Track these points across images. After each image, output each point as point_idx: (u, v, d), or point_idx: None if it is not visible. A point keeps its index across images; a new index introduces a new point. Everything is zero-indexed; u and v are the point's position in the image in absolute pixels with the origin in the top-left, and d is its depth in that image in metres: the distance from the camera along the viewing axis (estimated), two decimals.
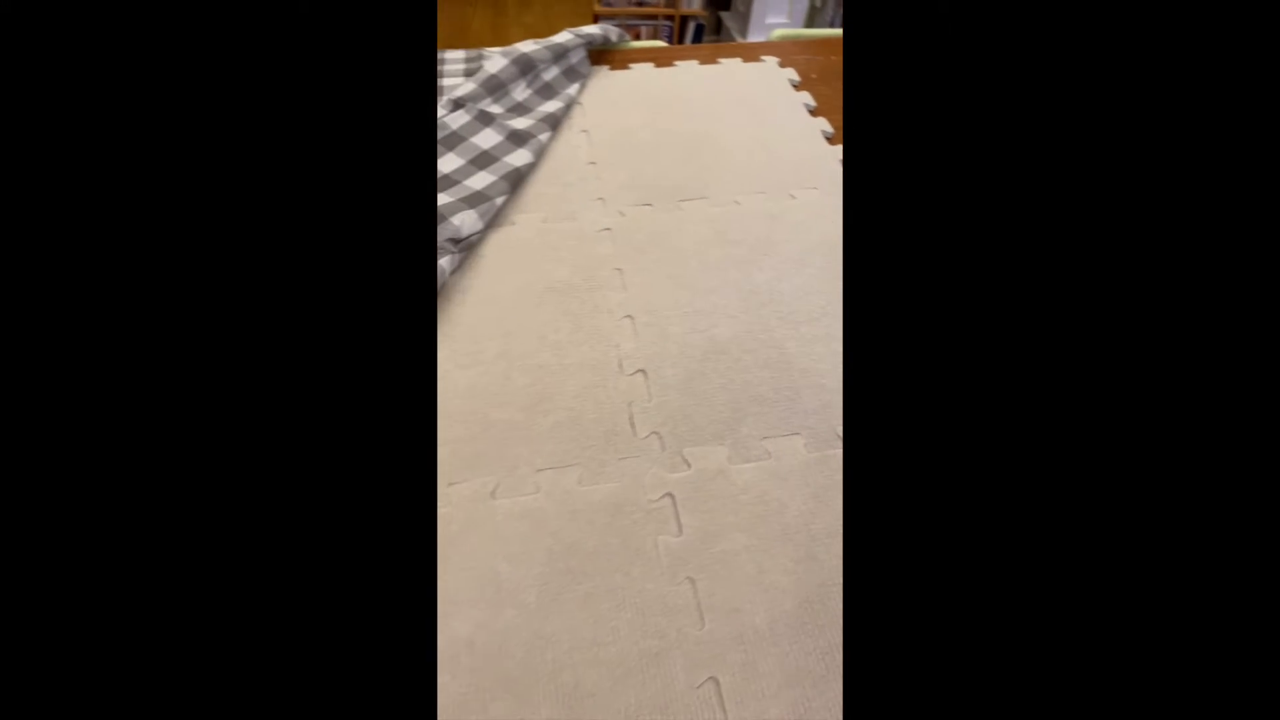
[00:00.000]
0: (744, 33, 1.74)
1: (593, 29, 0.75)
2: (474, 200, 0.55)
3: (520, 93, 0.67)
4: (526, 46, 0.69)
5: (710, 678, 0.34)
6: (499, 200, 0.56)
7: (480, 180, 0.57)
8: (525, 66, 0.68)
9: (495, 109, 0.65)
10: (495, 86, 0.66)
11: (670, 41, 1.72)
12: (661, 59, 0.77)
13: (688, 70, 0.75)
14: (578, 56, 0.72)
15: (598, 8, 1.66)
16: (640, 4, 1.66)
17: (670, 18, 1.67)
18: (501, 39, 2.00)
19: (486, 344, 0.48)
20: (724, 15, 1.84)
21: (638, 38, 1.65)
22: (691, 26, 1.71)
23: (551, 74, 0.70)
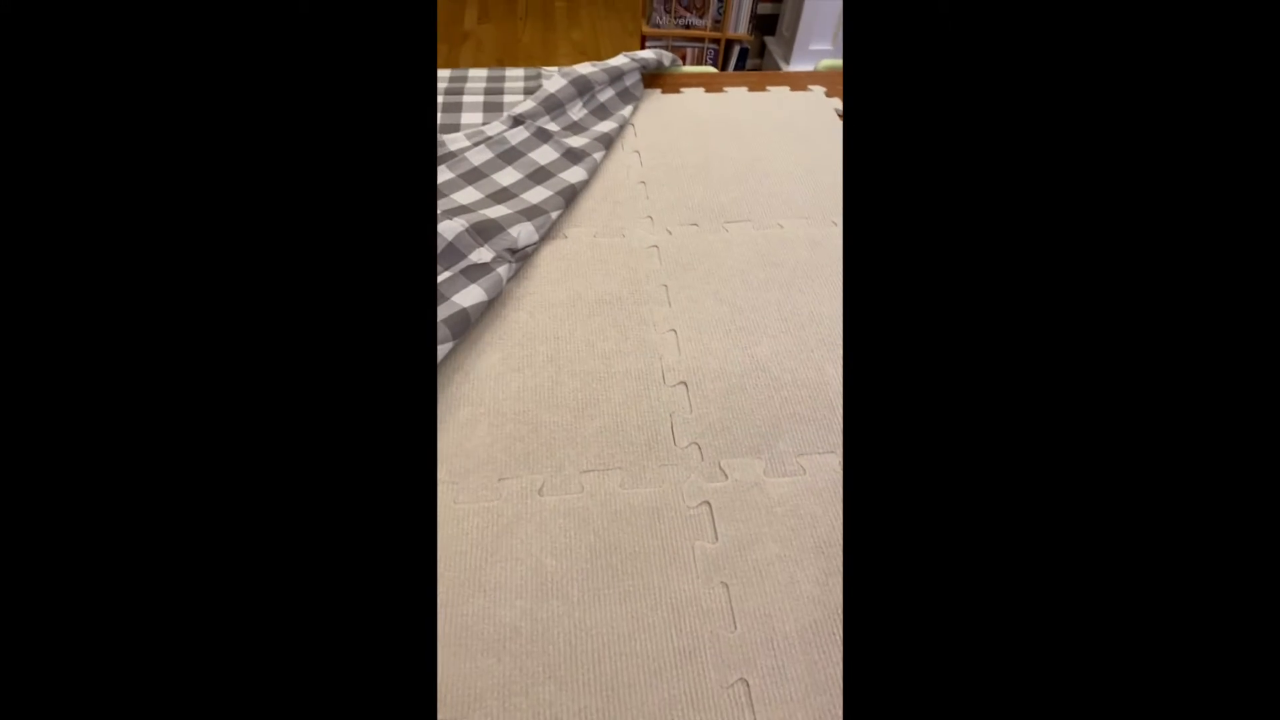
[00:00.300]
0: (787, 58, 1.77)
1: (647, 54, 0.78)
2: (531, 213, 0.58)
3: (577, 112, 0.71)
4: (585, 69, 0.72)
5: (740, 678, 0.36)
6: (554, 214, 0.59)
7: (537, 194, 0.60)
8: (583, 87, 0.71)
9: (553, 126, 0.68)
10: (553, 105, 0.69)
11: (715, 63, 1.75)
12: (712, 84, 0.79)
13: (737, 96, 0.78)
14: (632, 79, 0.75)
15: (645, 28, 1.70)
16: (687, 26, 1.69)
17: (716, 40, 1.71)
18: (550, 53, 2.05)
19: (538, 348, 0.51)
20: (768, 40, 1.87)
21: (683, 58, 1.68)
22: (736, 50, 1.74)
23: (607, 95, 0.73)
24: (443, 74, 0.79)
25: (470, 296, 0.50)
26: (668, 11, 1.66)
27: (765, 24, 1.85)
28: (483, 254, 0.53)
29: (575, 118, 0.70)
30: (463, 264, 0.53)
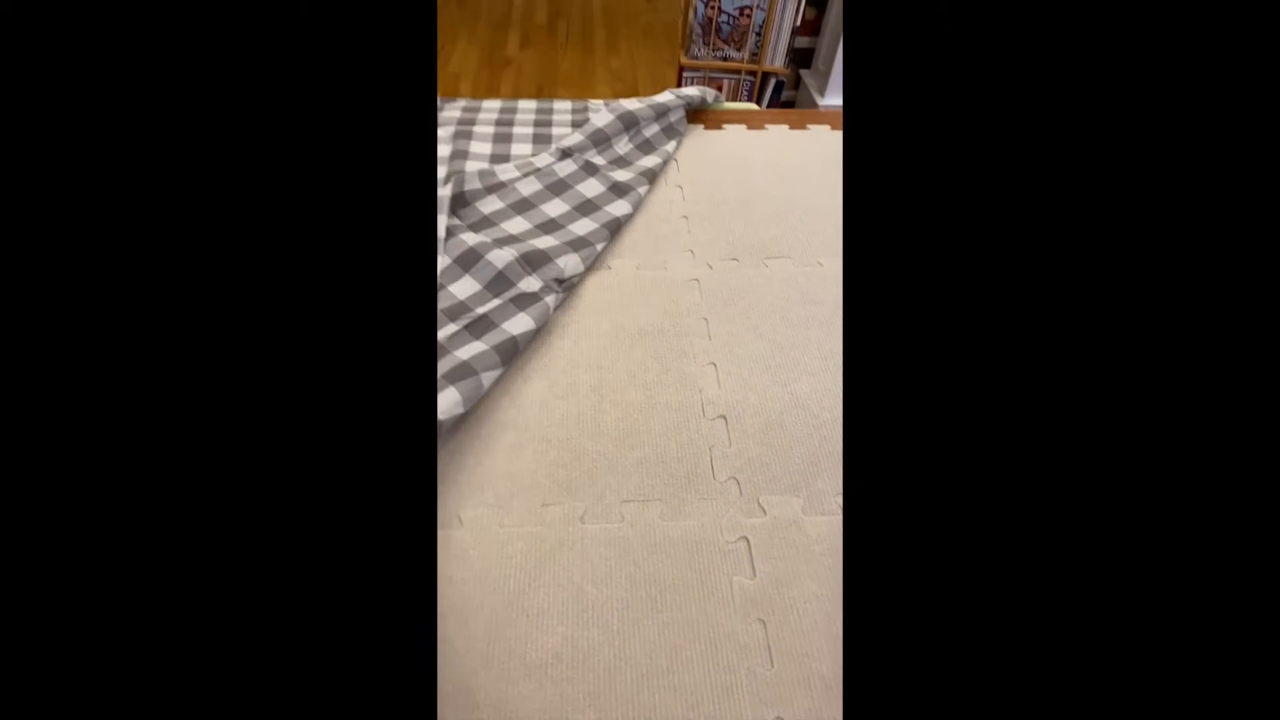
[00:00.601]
0: (822, 90, 1.79)
1: (691, 91, 0.80)
2: (577, 245, 0.60)
3: (622, 146, 0.73)
4: (631, 104, 0.75)
5: (777, 718, 0.36)
6: (599, 246, 0.61)
7: (583, 226, 0.62)
8: (629, 122, 0.73)
9: (599, 160, 0.70)
10: (600, 139, 0.72)
11: (750, 95, 1.78)
12: (753, 122, 0.81)
13: (777, 134, 0.80)
14: (677, 115, 0.78)
15: (683, 59, 1.74)
16: (725, 59, 1.73)
17: (752, 73, 1.74)
18: (588, 80, 2.11)
19: (581, 377, 0.52)
20: (804, 72, 1.90)
21: (719, 89, 1.71)
22: (772, 82, 1.77)
23: (652, 130, 0.75)
24: (492, 105, 0.82)
25: (519, 325, 0.52)
26: (706, 44, 1.70)
27: (801, 57, 1.87)
28: (531, 283, 0.55)
29: (621, 152, 0.72)
30: (512, 292, 0.54)
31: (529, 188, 0.66)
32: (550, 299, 0.55)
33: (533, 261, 0.56)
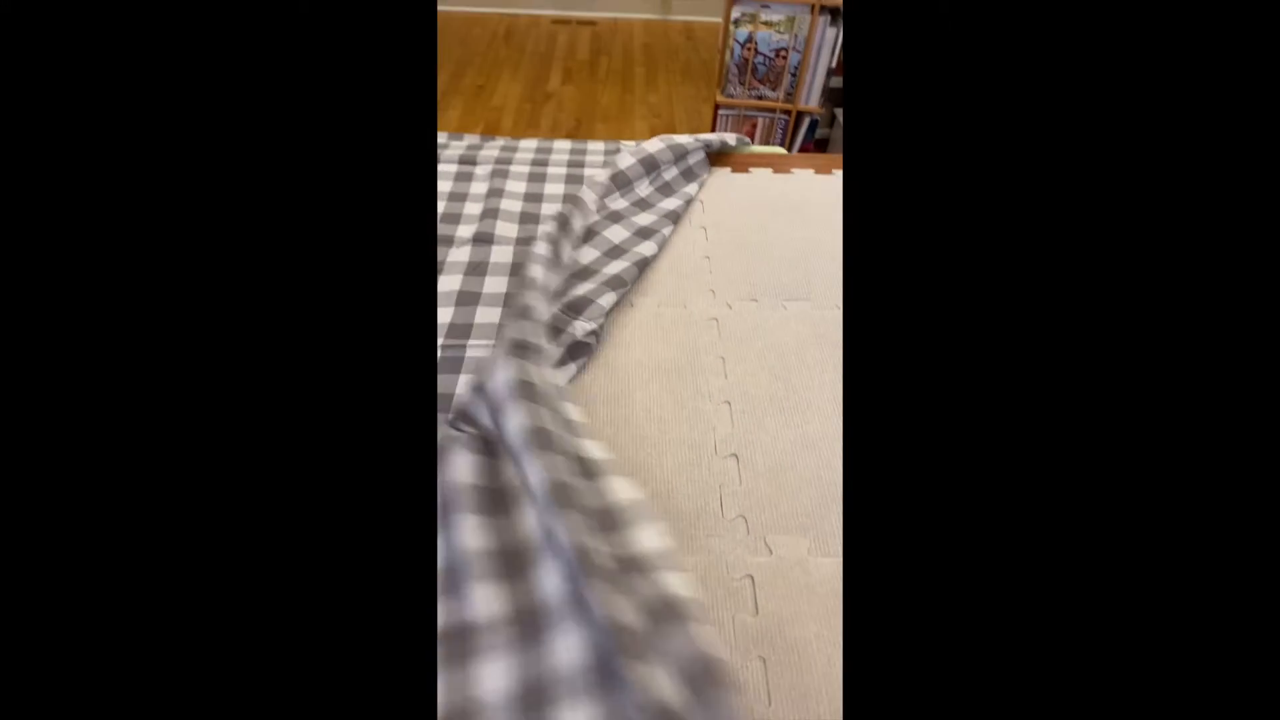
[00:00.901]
0: None
1: (711, 136, 0.83)
2: (613, 283, 0.62)
3: (644, 189, 0.76)
4: (653, 146, 0.78)
5: None
6: (630, 283, 0.63)
7: (615, 266, 0.65)
8: (650, 166, 0.77)
9: (621, 203, 0.73)
10: (623, 182, 0.75)
11: (784, 132, 1.81)
12: (779, 166, 0.84)
13: (803, 178, 0.82)
14: (696, 158, 0.81)
15: (719, 97, 1.78)
16: (760, 97, 1.77)
17: (787, 112, 1.77)
18: (626, 114, 2.17)
19: (599, 410, 0.54)
20: (838, 111, 1.92)
21: (754, 127, 1.74)
22: (806, 121, 1.80)
23: (671, 174, 0.78)
24: (529, 144, 0.86)
25: (565, 374, 0.55)
26: (742, 83, 1.74)
27: (837, 96, 1.90)
28: (578, 326, 0.58)
29: (642, 194, 0.76)
30: (563, 339, 0.57)
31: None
32: (593, 343, 0.58)
33: (576, 307, 0.59)
